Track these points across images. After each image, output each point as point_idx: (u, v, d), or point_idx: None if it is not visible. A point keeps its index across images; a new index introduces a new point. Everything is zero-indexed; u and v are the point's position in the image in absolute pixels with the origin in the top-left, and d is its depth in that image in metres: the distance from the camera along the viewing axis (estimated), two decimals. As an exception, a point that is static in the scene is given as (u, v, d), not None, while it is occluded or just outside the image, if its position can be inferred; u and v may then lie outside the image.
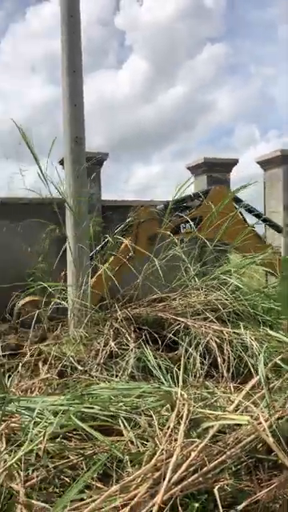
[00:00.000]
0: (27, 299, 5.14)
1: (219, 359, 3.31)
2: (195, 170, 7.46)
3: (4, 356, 3.67)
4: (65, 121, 4.37)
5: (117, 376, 3.17)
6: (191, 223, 5.40)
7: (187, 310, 3.92)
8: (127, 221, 5.40)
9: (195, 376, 3.21)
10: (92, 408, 2.14)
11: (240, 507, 1.38)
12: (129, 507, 1.34)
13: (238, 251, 5.01)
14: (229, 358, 3.30)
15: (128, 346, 3.57)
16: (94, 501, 1.36)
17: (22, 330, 4.33)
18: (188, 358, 3.39)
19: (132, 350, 3.37)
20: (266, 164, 7.98)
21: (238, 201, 5.54)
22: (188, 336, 3.57)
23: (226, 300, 3.85)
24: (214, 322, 3.66)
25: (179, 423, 1.67)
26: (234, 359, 3.28)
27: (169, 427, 1.66)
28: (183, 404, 1.74)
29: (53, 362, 3.57)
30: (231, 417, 1.62)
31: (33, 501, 1.43)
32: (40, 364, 3.55)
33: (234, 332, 3.47)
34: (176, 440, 1.60)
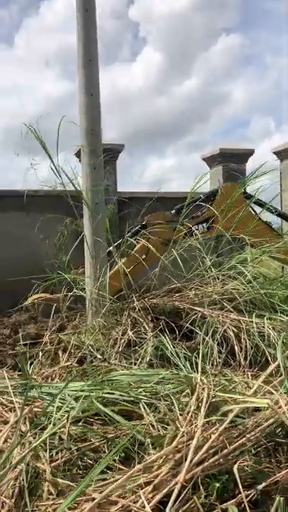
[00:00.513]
0: (35, 296, 5.21)
1: (236, 348, 3.34)
2: (211, 160, 7.43)
3: (24, 345, 3.74)
4: (81, 111, 4.37)
5: (135, 364, 3.22)
6: (203, 225, 5.42)
7: (204, 299, 3.95)
8: (140, 224, 5.36)
9: (212, 364, 3.24)
10: (112, 393, 2.19)
11: (260, 487, 1.41)
12: (151, 486, 1.38)
13: (253, 245, 4.99)
14: (246, 346, 3.33)
15: (145, 335, 3.62)
16: (116, 480, 1.40)
17: (41, 320, 4.40)
18: (205, 347, 3.43)
19: (150, 338, 3.42)
20: (281, 154, 7.92)
21: (249, 197, 5.49)
22: (205, 325, 3.61)
23: (244, 289, 3.86)
24: (230, 312, 3.68)
25: (199, 407, 1.71)
26: (252, 348, 3.31)
27: (189, 411, 1.69)
28: (203, 389, 1.77)
29: (72, 350, 3.64)
30: (251, 400, 1.65)
31: (58, 479, 1.48)
32: (60, 352, 3.62)
33: (252, 321, 3.49)
34: (196, 423, 1.63)
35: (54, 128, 3.99)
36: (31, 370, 3.17)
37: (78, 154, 7.20)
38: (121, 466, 1.69)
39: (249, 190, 5.34)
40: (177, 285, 4.38)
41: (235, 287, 4.07)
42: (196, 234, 5.18)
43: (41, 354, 3.61)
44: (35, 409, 2.09)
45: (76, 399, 2.19)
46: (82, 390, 2.18)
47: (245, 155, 7.04)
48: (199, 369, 2.13)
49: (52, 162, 4.21)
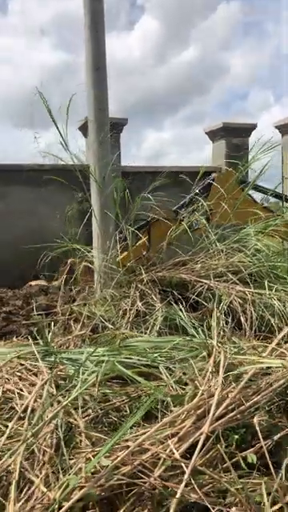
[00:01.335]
0: (33, 283, 5.32)
1: (242, 318, 3.48)
2: (213, 134, 7.45)
3: (36, 316, 3.88)
4: (88, 86, 4.38)
5: (145, 333, 3.37)
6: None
7: (210, 272, 4.07)
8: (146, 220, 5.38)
9: (219, 333, 3.39)
10: (130, 358, 2.33)
11: (275, 437, 1.57)
12: (177, 437, 1.52)
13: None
14: (251, 317, 3.47)
15: (153, 306, 3.76)
16: (144, 433, 1.54)
17: (51, 292, 4.53)
18: (211, 317, 3.58)
19: (159, 309, 3.55)
20: (284, 128, 7.94)
21: (243, 182, 5.49)
22: (212, 297, 3.75)
23: (250, 262, 3.99)
24: (236, 284, 3.81)
25: (216, 369, 1.85)
26: (257, 318, 3.45)
27: (206, 372, 1.83)
28: (219, 352, 1.91)
29: (84, 320, 3.78)
30: (266, 361, 1.79)
31: (91, 433, 1.62)
32: (71, 322, 3.76)
33: (257, 292, 3.63)
34: (214, 383, 1.78)
35: (51, 99, 4.01)
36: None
37: (81, 128, 7.24)
38: (145, 424, 1.84)
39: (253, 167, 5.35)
40: (183, 258, 4.50)
41: (240, 260, 4.20)
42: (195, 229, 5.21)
43: (52, 324, 3.74)
44: (59, 372, 2.23)
45: (95, 364, 2.34)
46: (103, 355, 2.32)
47: (248, 129, 7.07)
48: (215, 334, 2.26)
49: (61, 135, 4.26)
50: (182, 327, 3.40)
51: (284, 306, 3.45)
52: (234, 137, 6.88)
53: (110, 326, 3.49)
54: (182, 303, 3.77)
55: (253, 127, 7.28)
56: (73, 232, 4.43)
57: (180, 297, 3.85)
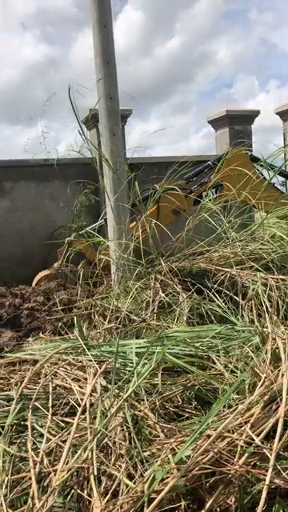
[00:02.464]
0: (41, 274, 5.32)
1: (268, 304, 3.48)
2: (217, 123, 7.42)
3: (60, 311, 3.86)
4: (99, 78, 4.37)
5: (172, 323, 3.36)
6: (213, 191, 5.54)
7: (230, 260, 4.07)
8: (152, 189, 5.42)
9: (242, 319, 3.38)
10: (172, 349, 2.32)
11: None
12: (250, 423, 1.52)
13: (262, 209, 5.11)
14: (278, 303, 3.47)
15: (175, 296, 3.74)
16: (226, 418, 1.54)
17: (69, 286, 4.50)
18: (236, 305, 3.58)
19: (184, 299, 3.54)
20: (285, 114, 7.92)
21: (255, 160, 5.59)
22: (234, 285, 3.75)
23: (271, 249, 3.99)
24: (258, 271, 3.81)
25: (273, 355, 1.84)
26: (283, 306, 3.44)
27: (264, 359, 1.83)
28: (273, 338, 1.91)
29: (106, 314, 3.76)
30: None
31: (159, 423, 1.61)
32: (96, 316, 3.75)
33: (281, 279, 3.62)
34: (272, 371, 1.77)
35: (34, 94, 3.97)
36: (76, 333, 3.29)
37: (85, 121, 7.17)
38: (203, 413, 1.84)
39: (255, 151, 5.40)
40: (199, 248, 4.49)
41: (257, 248, 4.20)
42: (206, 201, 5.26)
43: (76, 318, 3.72)
44: (107, 366, 2.22)
45: (137, 355, 2.33)
46: (145, 347, 2.30)
47: (251, 116, 7.05)
48: (267, 321, 2.25)
49: (81, 128, 4.24)
50: (209, 316, 3.40)
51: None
52: (238, 124, 6.87)
53: (136, 318, 3.48)
54: (203, 293, 3.78)
55: (256, 114, 7.26)
56: (81, 225, 4.40)
57: (201, 286, 3.85)
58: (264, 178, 5.50)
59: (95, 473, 1.41)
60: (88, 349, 2.53)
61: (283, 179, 6.15)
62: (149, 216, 5.26)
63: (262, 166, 5.52)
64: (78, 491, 1.42)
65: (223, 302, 3.63)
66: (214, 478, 1.37)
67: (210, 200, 5.30)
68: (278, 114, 8.09)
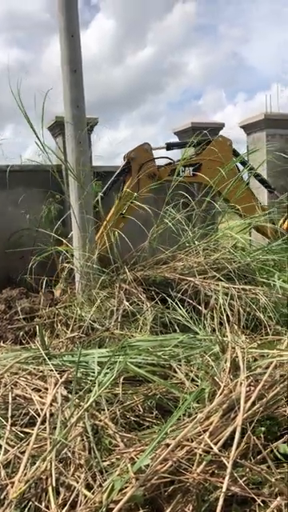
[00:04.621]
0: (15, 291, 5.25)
1: (229, 313, 3.53)
2: (182, 134, 7.52)
3: (22, 320, 3.80)
4: (65, 87, 4.36)
5: (136, 332, 3.37)
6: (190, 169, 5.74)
7: (193, 269, 4.12)
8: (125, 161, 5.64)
9: (204, 328, 3.43)
10: (135, 358, 2.33)
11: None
12: (209, 432, 1.54)
13: (235, 209, 5.30)
14: (239, 312, 3.53)
15: (139, 305, 3.76)
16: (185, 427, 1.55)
17: (32, 295, 4.44)
18: (198, 314, 3.62)
19: (148, 308, 3.56)
20: (249, 128, 8.12)
21: (236, 155, 5.82)
22: (198, 294, 3.79)
23: (232, 259, 4.06)
24: (220, 280, 3.87)
25: (232, 364, 1.88)
26: (243, 315, 3.51)
27: (225, 368, 1.86)
28: (233, 347, 1.94)
29: (69, 322, 3.73)
30: (287, 353, 1.83)
31: (119, 433, 1.61)
32: (59, 325, 3.71)
33: (242, 288, 3.69)
34: (234, 378, 1.80)
35: (3, 99, 3.94)
36: (37, 343, 3.25)
37: (51, 128, 7.12)
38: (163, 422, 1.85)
39: None
40: (162, 256, 4.53)
41: (220, 257, 4.27)
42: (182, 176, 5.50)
43: (38, 327, 3.67)
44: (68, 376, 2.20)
45: (99, 365, 2.32)
46: (108, 356, 2.30)
47: (216, 129, 7.18)
48: (227, 330, 2.29)
49: (37, 136, 4.19)
50: (172, 325, 3.43)
51: (269, 300, 3.53)
52: (203, 136, 6.97)
53: (100, 327, 3.47)
54: (166, 302, 3.81)
55: (220, 127, 7.41)
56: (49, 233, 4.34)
57: (165, 295, 3.88)
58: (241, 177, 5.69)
59: (53, 484, 1.40)
60: (49, 358, 2.50)
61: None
62: (129, 186, 5.42)
63: (243, 163, 5.77)
64: (36, 503, 1.40)
65: (186, 311, 3.67)
66: (172, 487, 1.38)
67: (184, 176, 5.53)
68: (242, 127, 8.28)
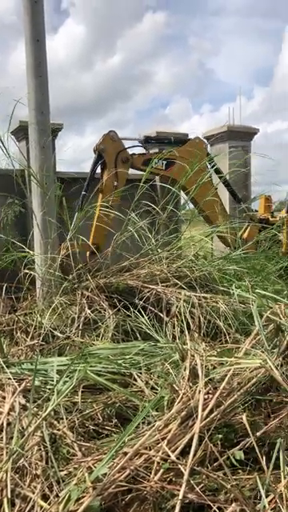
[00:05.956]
0: None
1: (190, 321, 3.58)
2: (148, 143, 7.59)
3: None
4: (30, 92, 4.33)
5: (97, 340, 3.35)
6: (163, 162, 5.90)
7: (156, 277, 4.15)
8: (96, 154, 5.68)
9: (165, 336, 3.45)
10: (95, 366, 2.32)
11: (258, 434, 1.64)
12: (166, 440, 1.55)
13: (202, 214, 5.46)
14: (200, 319, 3.58)
15: (101, 312, 3.74)
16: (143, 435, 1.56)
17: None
18: (160, 322, 3.64)
19: (110, 316, 3.55)
20: (212, 139, 8.27)
21: (210, 160, 5.97)
22: (160, 302, 3.81)
23: (194, 268, 4.12)
24: (182, 288, 3.91)
25: (191, 372, 1.90)
26: (204, 323, 3.55)
27: (184, 376, 1.88)
28: (192, 355, 1.96)
29: (29, 330, 3.68)
30: (244, 361, 1.87)
31: (81, 443, 1.60)
32: (18, 333, 3.65)
33: (203, 296, 3.75)
34: (193, 386, 1.83)
35: None
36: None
37: (14, 132, 7.03)
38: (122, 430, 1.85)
39: None
40: (126, 263, 4.54)
41: (182, 265, 4.32)
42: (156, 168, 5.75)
43: (-2, 335, 3.60)
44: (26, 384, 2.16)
45: (58, 373, 2.30)
46: (68, 365, 2.28)
47: (180, 141, 7.27)
48: (187, 338, 2.31)
49: (1, 141, 4.13)
50: (134, 333, 3.43)
51: (229, 308, 3.59)
52: (167, 146, 7.04)
53: (60, 335, 3.43)
54: (129, 309, 3.81)
55: (185, 138, 7.50)
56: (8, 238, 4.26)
57: (127, 303, 3.88)
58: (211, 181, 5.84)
59: (9, 495, 1.37)
60: (8, 366, 2.45)
61: None
62: (108, 180, 5.45)
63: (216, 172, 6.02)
64: (-10, 515, 1.37)
65: (148, 318, 3.68)
66: (129, 496, 1.38)
67: (156, 168, 5.66)
68: (205, 138, 8.43)
